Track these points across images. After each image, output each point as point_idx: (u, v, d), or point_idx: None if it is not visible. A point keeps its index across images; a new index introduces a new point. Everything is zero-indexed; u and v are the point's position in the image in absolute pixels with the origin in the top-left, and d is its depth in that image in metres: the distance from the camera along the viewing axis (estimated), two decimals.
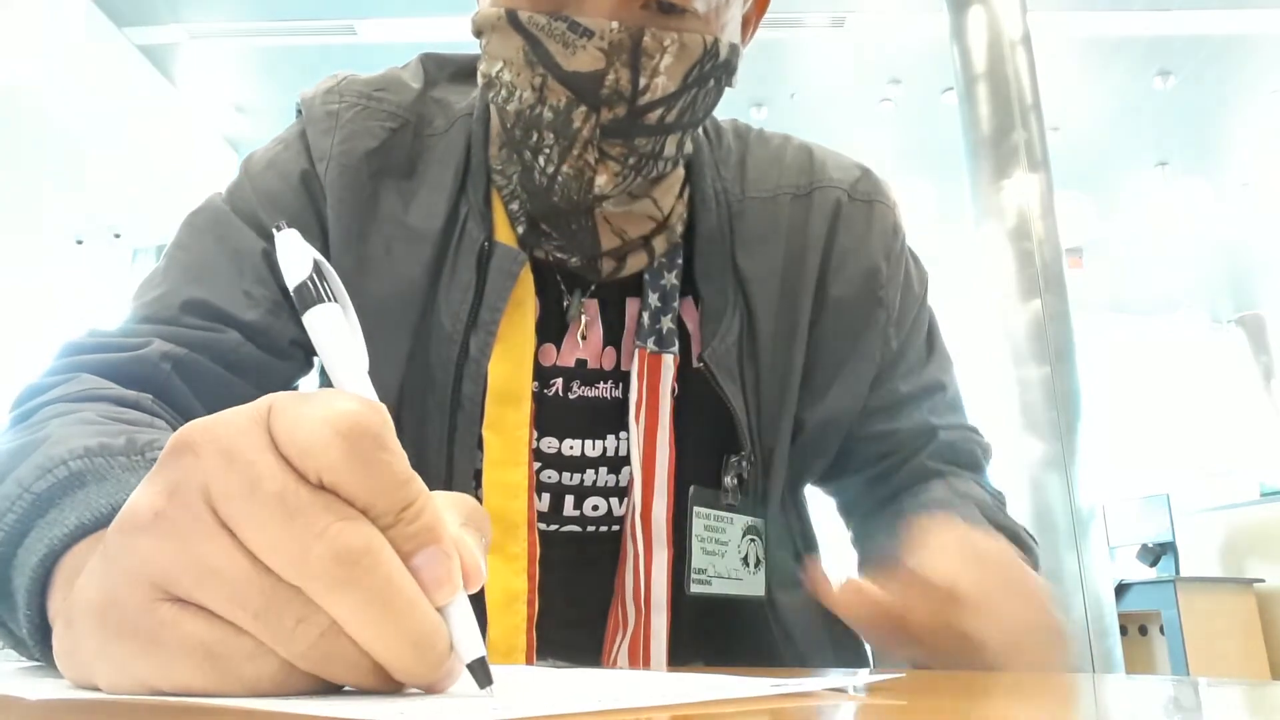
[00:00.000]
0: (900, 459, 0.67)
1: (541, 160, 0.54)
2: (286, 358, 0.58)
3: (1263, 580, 4.04)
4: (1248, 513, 4.45)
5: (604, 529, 0.62)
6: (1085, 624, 3.70)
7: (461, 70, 0.67)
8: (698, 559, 0.58)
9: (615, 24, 0.50)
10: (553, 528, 0.61)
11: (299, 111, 0.64)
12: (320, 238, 0.58)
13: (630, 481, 0.59)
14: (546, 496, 0.61)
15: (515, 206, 0.60)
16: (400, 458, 0.26)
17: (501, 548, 0.56)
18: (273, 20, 6.46)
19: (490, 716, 0.24)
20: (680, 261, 0.61)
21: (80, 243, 7.96)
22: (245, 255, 0.58)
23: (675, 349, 0.60)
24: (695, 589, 0.58)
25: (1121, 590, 3.91)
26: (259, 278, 0.57)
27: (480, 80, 0.57)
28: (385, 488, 0.25)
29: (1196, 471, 10.49)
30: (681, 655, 0.60)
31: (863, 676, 0.38)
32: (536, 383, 0.59)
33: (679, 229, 0.62)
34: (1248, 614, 3.94)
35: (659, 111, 0.53)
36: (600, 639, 0.59)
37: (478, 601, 0.55)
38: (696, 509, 0.59)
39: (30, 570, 0.33)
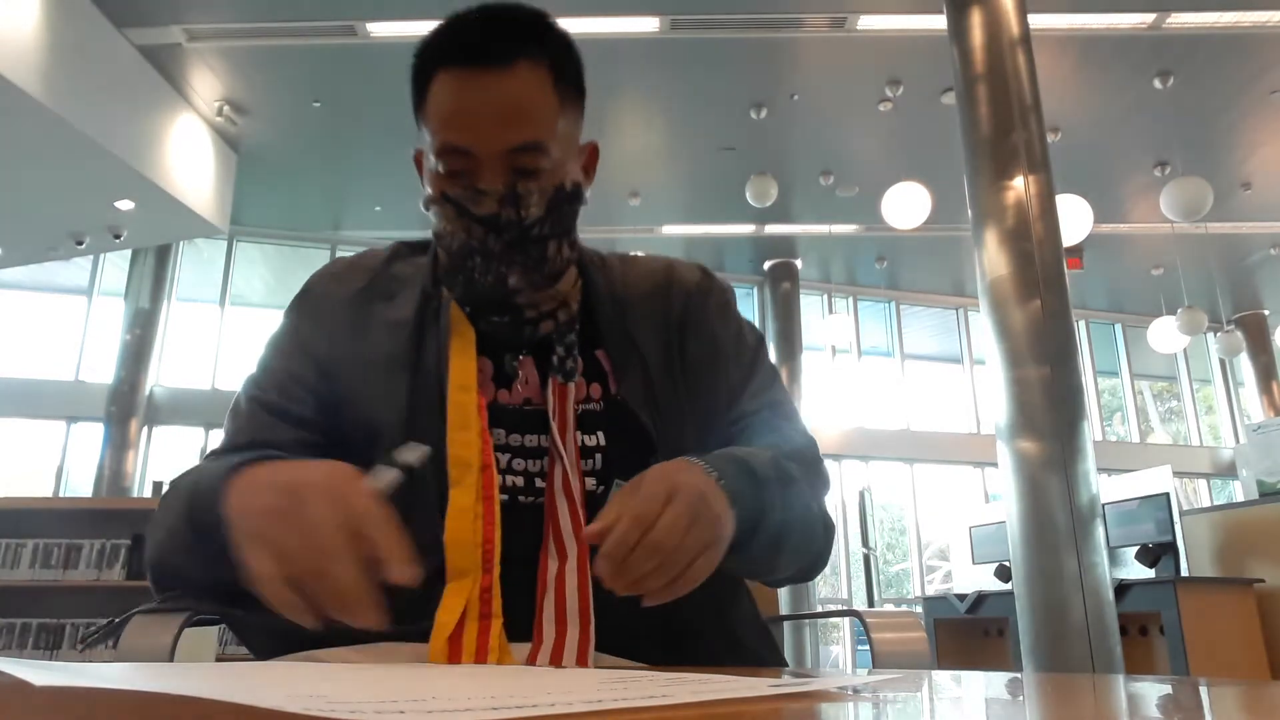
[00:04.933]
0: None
1: (477, 274, 0.86)
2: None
3: (1263, 580, 4.04)
4: (1248, 513, 4.45)
5: (532, 499, 0.85)
6: (1085, 624, 3.70)
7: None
8: None
9: (501, 185, 0.83)
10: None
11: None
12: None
13: (550, 460, 0.85)
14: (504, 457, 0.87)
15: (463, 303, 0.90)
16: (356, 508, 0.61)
17: (465, 488, 0.81)
18: (272, 21, 6.46)
19: (489, 716, 0.24)
20: (578, 326, 0.92)
21: (80, 243, 7.96)
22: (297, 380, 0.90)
23: (574, 379, 0.89)
24: None
25: (1121, 590, 3.91)
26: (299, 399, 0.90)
27: (433, 234, 0.90)
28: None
29: (1196, 471, 10.48)
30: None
31: (861, 677, 0.38)
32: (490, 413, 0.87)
33: (574, 307, 0.93)
34: (1248, 614, 3.94)
35: (536, 229, 0.85)
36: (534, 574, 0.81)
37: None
38: (616, 481, 0.86)
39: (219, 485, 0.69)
